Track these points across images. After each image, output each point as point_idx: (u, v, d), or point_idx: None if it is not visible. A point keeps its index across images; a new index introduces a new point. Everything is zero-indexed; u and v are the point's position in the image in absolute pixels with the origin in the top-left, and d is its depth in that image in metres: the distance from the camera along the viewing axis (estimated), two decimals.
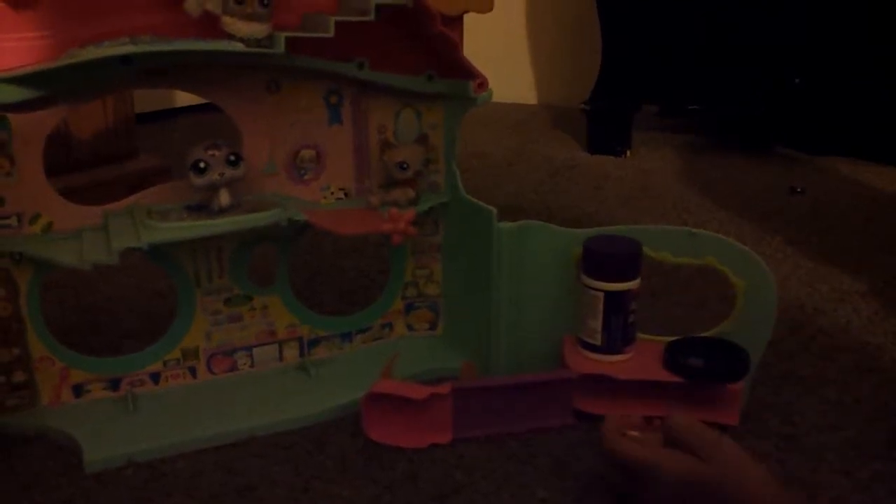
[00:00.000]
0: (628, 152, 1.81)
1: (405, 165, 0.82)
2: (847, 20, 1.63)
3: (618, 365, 0.78)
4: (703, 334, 0.80)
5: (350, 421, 0.78)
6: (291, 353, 0.88)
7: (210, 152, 0.74)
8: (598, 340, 0.78)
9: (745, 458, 0.61)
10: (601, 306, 0.77)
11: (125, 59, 0.70)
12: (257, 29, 0.69)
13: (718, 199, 1.49)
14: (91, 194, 0.87)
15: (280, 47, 0.70)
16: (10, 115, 0.71)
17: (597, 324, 0.77)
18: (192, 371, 0.84)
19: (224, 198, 0.76)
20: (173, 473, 0.71)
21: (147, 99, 1.95)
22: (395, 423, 0.75)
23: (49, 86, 0.68)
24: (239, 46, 0.69)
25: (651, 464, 0.63)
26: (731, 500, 0.59)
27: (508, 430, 0.77)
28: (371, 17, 0.72)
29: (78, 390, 0.80)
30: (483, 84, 0.80)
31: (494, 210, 0.80)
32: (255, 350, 0.86)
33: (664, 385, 0.77)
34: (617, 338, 0.78)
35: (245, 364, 0.86)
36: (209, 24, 0.69)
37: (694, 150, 1.85)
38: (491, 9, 1.82)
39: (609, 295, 0.76)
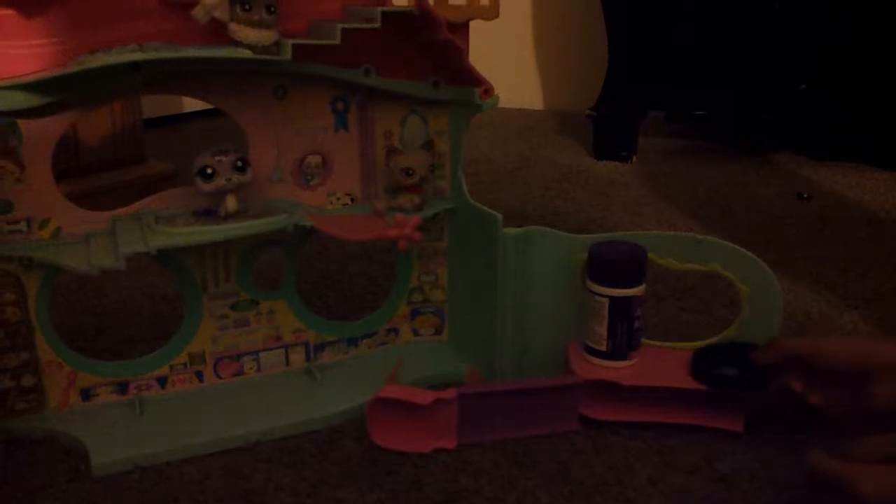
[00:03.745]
0: (634, 158, 1.81)
1: (411, 171, 0.83)
2: (853, 26, 1.63)
3: (623, 371, 0.78)
4: (709, 340, 0.81)
5: (355, 426, 0.78)
6: (297, 357, 0.88)
7: (217, 158, 0.75)
8: (603, 346, 0.78)
9: None
10: (606, 312, 0.77)
11: (134, 66, 0.71)
12: (264, 35, 0.69)
13: (724, 205, 1.49)
14: (99, 199, 0.88)
15: (287, 54, 0.70)
16: (20, 121, 0.71)
17: (602, 329, 0.77)
18: (199, 375, 0.84)
19: (231, 203, 0.76)
20: (179, 477, 0.72)
21: (155, 105, 1.97)
22: (401, 428, 0.75)
23: (58, 92, 0.69)
24: (246, 53, 0.69)
25: (851, 477, 0.58)
26: None
27: (513, 436, 0.77)
28: (377, 24, 0.72)
29: (85, 394, 0.80)
30: (489, 91, 0.80)
31: (500, 216, 0.80)
32: (261, 355, 0.86)
33: (669, 391, 0.77)
34: (622, 344, 0.78)
35: (251, 368, 0.86)
36: (217, 32, 0.70)
37: (700, 156, 1.85)
38: (497, 16, 1.83)
39: (614, 301, 0.76)
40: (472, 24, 1.68)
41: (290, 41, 0.70)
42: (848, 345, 0.69)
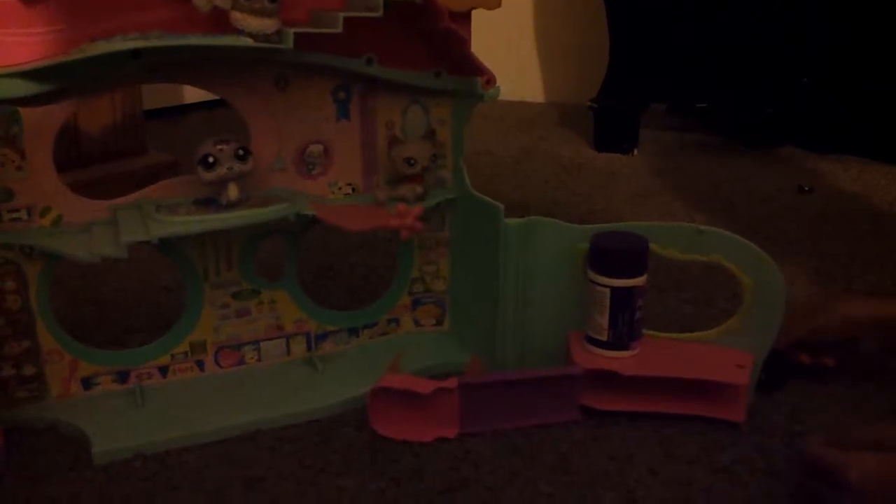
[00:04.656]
0: (635, 150, 1.81)
1: (413, 161, 0.83)
2: (854, 19, 1.63)
3: (624, 361, 0.78)
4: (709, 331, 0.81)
5: (356, 415, 0.78)
6: (299, 347, 0.88)
7: (219, 147, 0.75)
8: (604, 336, 0.78)
9: None
10: (608, 302, 0.77)
11: (135, 54, 0.71)
12: (266, 24, 0.69)
13: (726, 198, 1.49)
14: (100, 189, 0.88)
15: (289, 42, 0.70)
16: (21, 109, 0.71)
17: (603, 320, 0.77)
18: (200, 364, 0.84)
19: (232, 192, 0.76)
20: (181, 466, 0.72)
21: (156, 95, 1.96)
22: (402, 418, 0.75)
23: (59, 80, 0.69)
24: (248, 42, 0.69)
25: (840, 464, 0.60)
26: None
27: (514, 425, 0.77)
28: (379, 13, 0.72)
29: (87, 383, 0.80)
30: (491, 81, 0.80)
31: (502, 206, 0.80)
32: (262, 344, 0.86)
33: (669, 381, 0.77)
34: (623, 334, 0.78)
35: (252, 358, 0.86)
36: (218, 20, 0.69)
37: (701, 149, 1.84)
38: (499, 5, 1.82)
39: (616, 291, 0.76)
40: (474, 14, 1.67)
41: (292, 30, 0.70)
42: (833, 319, 0.83)
